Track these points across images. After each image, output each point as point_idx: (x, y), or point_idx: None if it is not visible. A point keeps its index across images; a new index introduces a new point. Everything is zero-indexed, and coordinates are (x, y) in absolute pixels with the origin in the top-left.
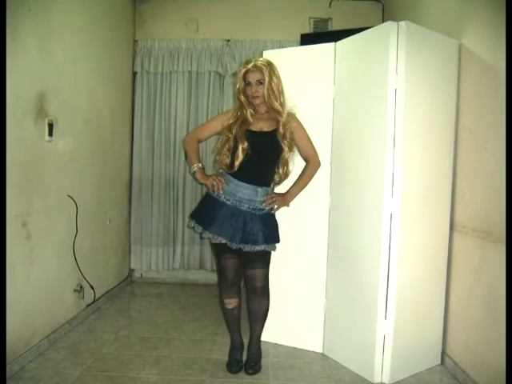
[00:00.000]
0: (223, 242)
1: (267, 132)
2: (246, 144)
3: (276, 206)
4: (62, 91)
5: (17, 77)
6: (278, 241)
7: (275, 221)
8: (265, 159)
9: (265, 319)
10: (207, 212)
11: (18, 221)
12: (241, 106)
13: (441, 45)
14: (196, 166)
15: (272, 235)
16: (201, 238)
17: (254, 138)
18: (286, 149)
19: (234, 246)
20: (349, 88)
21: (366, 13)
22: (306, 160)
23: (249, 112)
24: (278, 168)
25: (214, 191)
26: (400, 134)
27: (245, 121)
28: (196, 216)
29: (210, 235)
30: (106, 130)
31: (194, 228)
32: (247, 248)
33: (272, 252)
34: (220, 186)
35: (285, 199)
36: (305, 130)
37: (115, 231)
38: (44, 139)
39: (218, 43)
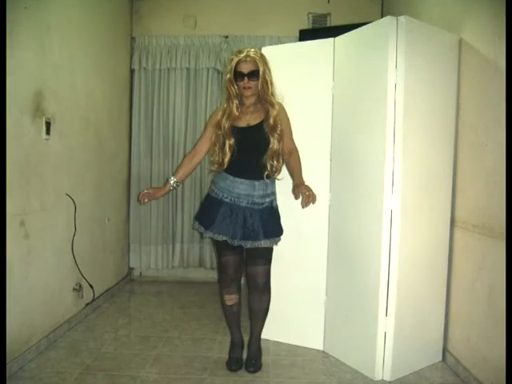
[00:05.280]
0: (224, 239)
1: (254, 125)
2: (232, 140)
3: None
4: (60, 89)
5: (14, 75)
6: (280, 234)
7: (277, 213)
8: (253, 154)
9: (265, 317)
10: (208, 212)
11: (15, 220)
12: (228, 98)
13: (441, 40)
14: (171, 179)
15: (273, 230)
16: (201, 237)
17: (241, 134)
18: (274, 140)
19: (236, 243)
20: (348, 83)
21: (365, 8)
22: (289, 152)
23: (234, 104)
24: (268, 160)
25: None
26: (400, 129)
27: (231, 114)
28: (198, 217)
29: (212, 234)
30: (103, 128)
31: (198, 229)
32: (248, 245)
33: (273, 248)
34: (142, 197)
35: (307, 187)
36: (289, 124)
37: (114, 230)
38: (41, 138)
39: (216, 39)
